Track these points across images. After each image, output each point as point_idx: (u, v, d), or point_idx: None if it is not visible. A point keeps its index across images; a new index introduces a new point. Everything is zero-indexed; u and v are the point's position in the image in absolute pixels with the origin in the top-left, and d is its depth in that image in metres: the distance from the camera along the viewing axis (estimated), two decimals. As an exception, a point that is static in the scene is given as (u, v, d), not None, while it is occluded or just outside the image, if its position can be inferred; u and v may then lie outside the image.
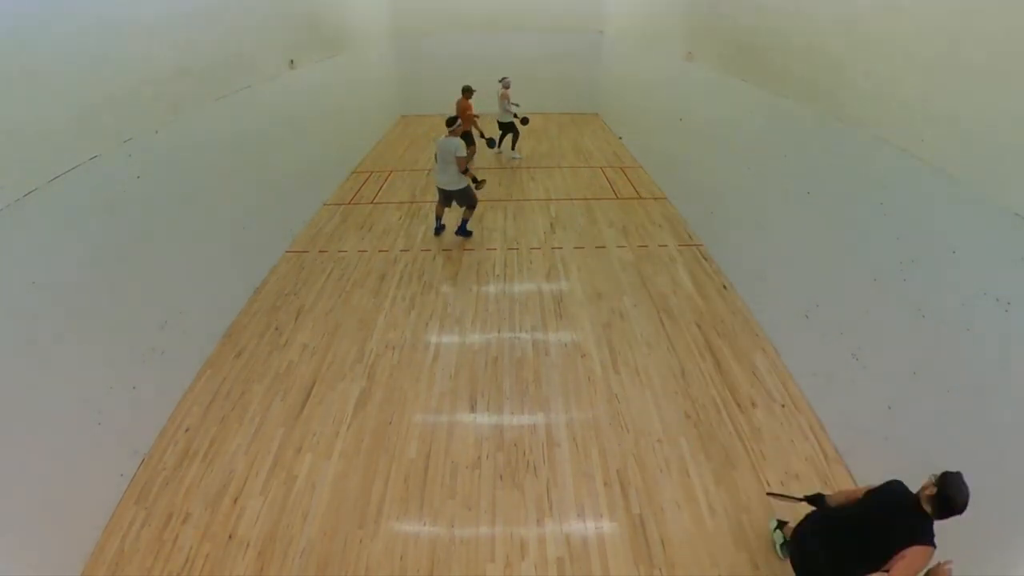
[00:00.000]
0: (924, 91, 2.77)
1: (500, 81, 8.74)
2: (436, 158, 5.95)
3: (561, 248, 6.12)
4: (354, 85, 9.31)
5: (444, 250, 6.11)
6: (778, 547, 2.85)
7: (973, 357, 2.40)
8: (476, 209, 6.56)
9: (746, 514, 3.06)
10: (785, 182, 4.24)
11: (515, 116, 8.85)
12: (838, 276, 3.49)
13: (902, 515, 2.10)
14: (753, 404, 3.81)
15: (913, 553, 1.98)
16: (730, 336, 4.52)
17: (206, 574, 2.82)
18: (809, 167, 3.91)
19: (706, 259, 5.79)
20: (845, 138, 3.44)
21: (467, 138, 8.22)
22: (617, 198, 7.63)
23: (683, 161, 6.95)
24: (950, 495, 1.96)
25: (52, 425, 2.78)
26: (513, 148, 9.25)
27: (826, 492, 2.59)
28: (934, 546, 2.00)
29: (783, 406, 3.79)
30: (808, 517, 2.54)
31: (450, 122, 5.84)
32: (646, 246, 6.12)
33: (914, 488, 2.13)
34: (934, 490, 2.01)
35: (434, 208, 6.56)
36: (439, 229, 6.49)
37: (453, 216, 6.52)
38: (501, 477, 3.32)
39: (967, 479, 1.95)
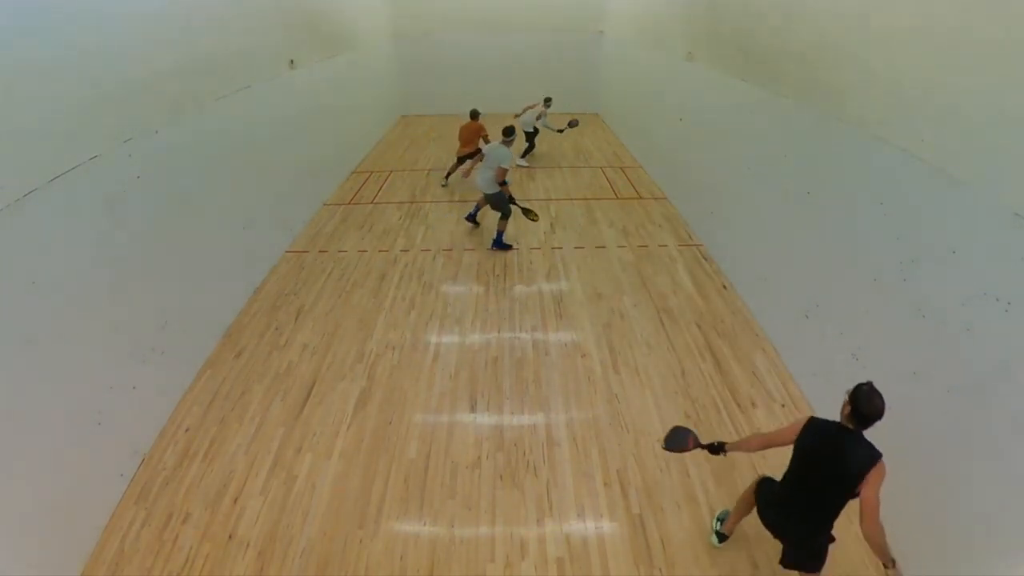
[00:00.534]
0: (924, 91, 2.77)
1: (545, 101, 9.01)
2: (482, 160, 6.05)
3: (561, 248, 6.12)
4: (354, 85, 9.31)
5: (444, 250, 6.11)
6: (713, 536, 2.93)
7: (973, 357, 2.40)
8: (477, 209, 6.57)
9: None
10: (785, 182, 4.24)
11: (559, 130, 9.17)
12: (838, 276, 3.49)
13: (840, 443, 2.22)
14: (753, 404, 3.81)
15: (873, 474, 2.13)
16: (730, 336, 4.52)
17: (206, 574, 2.82)
18: (809, 167, 3.91)
19: (706, 259, 5.79)
20: (845, 138, 3.44)
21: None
22: (617, 198, 7.63)
23: (683, 161, 6.95)
24: (863, 412, 2.15)
25: (52, 425, 2.78)
26: (523, 157, 9.21)
27: (727, 441, 2.64)
28: (880, 453, 2.16)
29: (783, 406, 3.79)
30: (760, 498, 2.60)
31: (507, 132, 5.82)
32: (646, 246, 6.12)
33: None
34: (849, 407, 2.18)
35: (433, 208, 6.57)
36: (471, 216, 6.66)
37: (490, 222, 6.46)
38: (501, 477, 3.32)
39: (967, 479, 1.97)
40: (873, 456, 2.15)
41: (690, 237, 6.31)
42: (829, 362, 3.55)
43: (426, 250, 6.12)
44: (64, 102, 3.02)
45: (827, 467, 2.23)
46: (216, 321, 4.63)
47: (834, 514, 2.28)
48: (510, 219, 6.08)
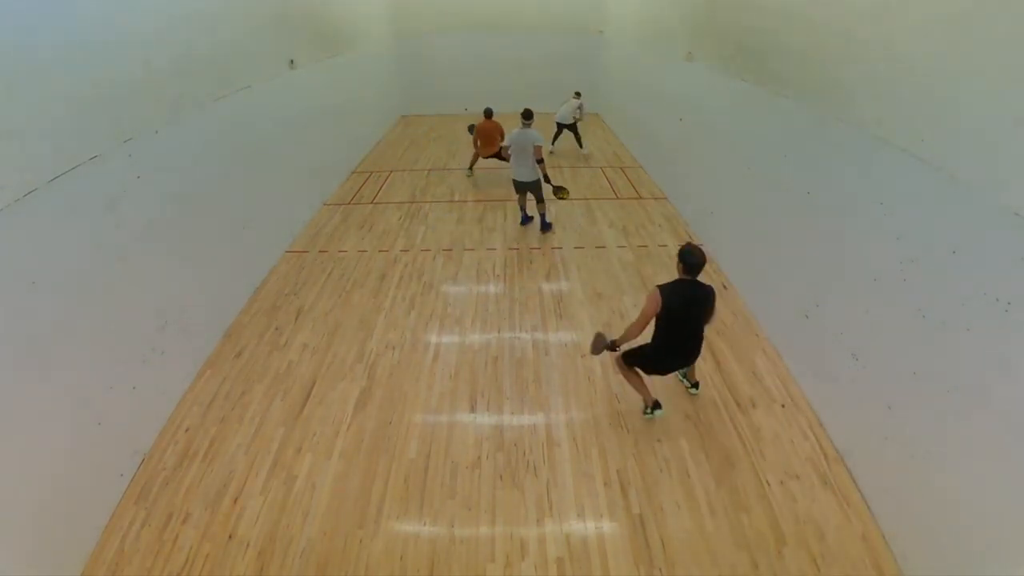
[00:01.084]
0: (924, 91, 2.77)
1: (576, 95, 9.26)
2: (511, 152, 6.14)
3: (561, 248, 6.12)
4: (354, 85, 9.31)
5: (444, 250, 6.11)
6: (648, 411, 3.66)
7: (973, 357, 2.40)
8: (478, 209, 6.58)
9: (746, 514, 3.06)
10: (785, 182, 4.24)
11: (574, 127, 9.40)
12: (838, 276, 3.49)
13: (692, 289, 3.15)
14: (753, 404, 3.81)
15: (716, 299, 3.26)
16: (730, 336, 4.52)
17: (206, 574, 2.82)
18: (809, 167, 3.91)
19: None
20: (845, 138, 3.44)
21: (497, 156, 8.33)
22: (617, 198, 7.63)
23: (683, 161, 6.95)
24: (690, 262, 3.07)
25: (52, 425, 2.78)
26: (581, 146, 9.56)
27: (616, 338, 3.37)
28: (711, 285, 3.25)
29: (783, 406, 3.79)
30: (641, 361, 3.47)
31: (527, 115, 6.01)
32: (646, 246, 6.12)
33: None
34: (682, 265, 3.11)
35: (433, 208, 6.57)
36: (526, 220, 6.67)
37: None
38: (501, 477, 3.32)
39: (967, 479, 2.02)
40: (712, 289, 3.22)
41: (690, 237, 6.31)
42: (829, 362, 3.54)
43: (426, 250, 6.12)
44: (64, 102, 3.02)
45: (694, 308, 3.19)
46: (216, 321, 4.63)
47: (703, 332, 3.35)
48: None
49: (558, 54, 12.35)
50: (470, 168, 8.58)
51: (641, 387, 3.58)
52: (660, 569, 2.80)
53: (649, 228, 6.60)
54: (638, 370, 3.52)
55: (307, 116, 6.92)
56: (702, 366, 4.19)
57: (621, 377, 3.66)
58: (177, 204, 4.05)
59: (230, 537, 2.99)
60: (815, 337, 3.75)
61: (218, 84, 4.79)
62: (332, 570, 2.83)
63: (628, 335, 3.26)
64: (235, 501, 3.19)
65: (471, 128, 8.01)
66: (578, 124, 9.41)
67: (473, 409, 3.85)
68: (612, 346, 3.38)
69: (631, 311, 4.88)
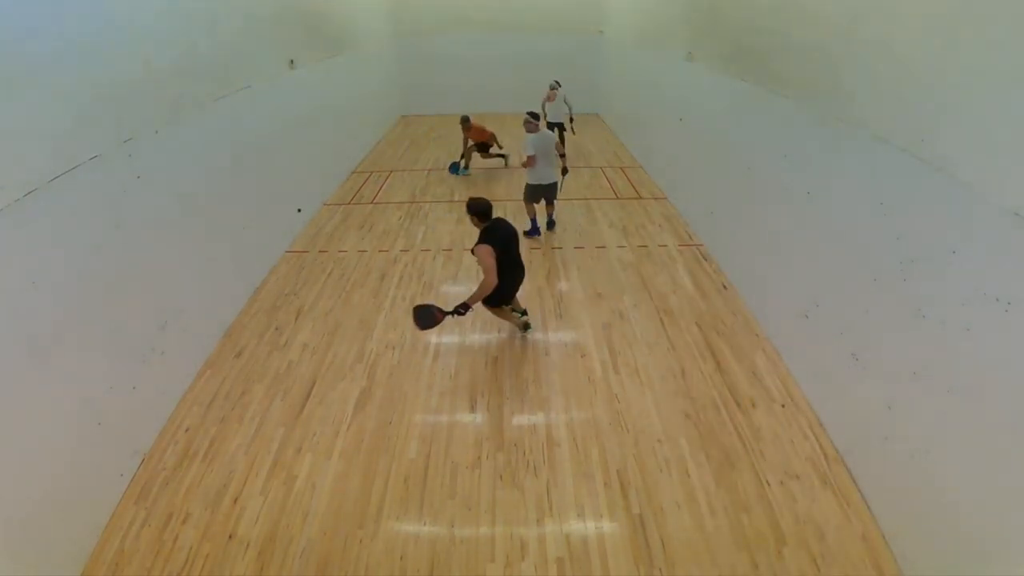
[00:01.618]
0: (924, 91, 2.77)
1: (553, 86, 8.94)
2: (533, 155, 5.73)
3: (561, 248, 6.12)
4: (354, 85, 9.31)
5: (444, 250, 6.11)
6: (524, 331, 4.56)
7: (973, 357, 2.40)
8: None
9: (746, 514, 3.06)
10: (785, 182, 4.24)
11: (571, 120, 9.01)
12: (838, 276, 3.49)
13: (504, 228, 3.93)
14: (753, 404, 3.81)
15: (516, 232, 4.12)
16: (730, 336, 4.52)
17: (206, 574, 2.82)
18: (809, 167, 3.91)
19: (706, 259, 5.79)
20: (845, 138, 3.44)
21: (483, 148, 8.59)
22: (617, 198, 7.63)
23: (683, 161, 6.95)
24: (478, 210, 3.85)
25: (52, 425, 2.78)
26: (574, 131, 9.30)
27: (466, 300, 3.77)
28: (487, 242, 3.77)
29: (783, 406, 3.79)
30: (500, 294, 4.00)
31: (536, 116, 5.94)
32: (646, 246, 6.11)
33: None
34: (476, 218, 3.88)
35: (433, 208, 6.56)
36: (535, 232, 6.36)
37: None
38: (501, 477, 3.32)
39: (967, 479, 2.12)
40: (511, 226, 4.03)
41: (690, 237, 6.31)
42: (829, 362, 3.54)
43: (426, 250, 6.12)
44: (64, 102, 3.02)
45: (514, 243, 4.02)
46: (216, 321, 4.63)
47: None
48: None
49: (558, 54, 12.34)
50: (466, 167, 8.63)
51: (511, 317, 4.39)
52: (660, 569, 2.80)
53: (649, 228, 6.60)
54: (500, 300, 4.14)
55: (307, 116, 6.92)
56: (702, 366, 4.20)
57: (493, 315, 4.37)
58: (177, 204, 4.05)
59: (230, 537, 2.99)
60: (815, 337, 3.75)
61: (218, 84, 4.79)
62: (332, 570, 2.83)
63: (484, 291, 3.72)
64: (235, 501, 3.19)
65: (465, 120, 8.25)
66: (572, 115, 8.80)
67: (473, 409, 3.85)
68: (464, 309, 3.69)
69: (631, 311, 4.88)
